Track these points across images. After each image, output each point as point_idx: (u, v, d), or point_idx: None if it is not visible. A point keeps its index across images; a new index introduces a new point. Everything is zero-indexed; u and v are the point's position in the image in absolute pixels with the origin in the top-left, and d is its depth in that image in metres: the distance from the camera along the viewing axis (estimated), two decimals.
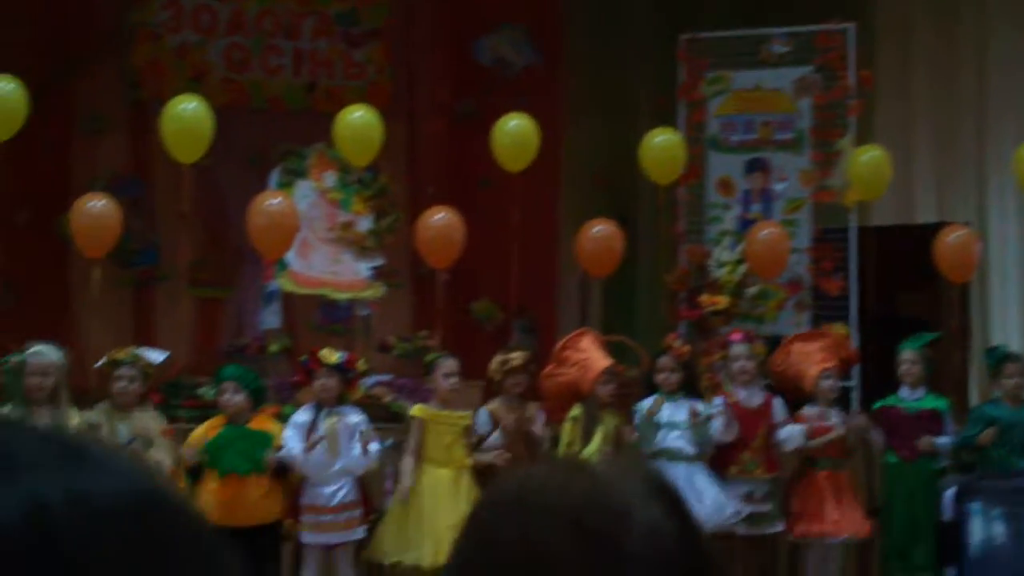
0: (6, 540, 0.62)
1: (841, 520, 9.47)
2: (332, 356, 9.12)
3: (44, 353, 9.01)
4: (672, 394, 9.55)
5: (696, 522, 1.35)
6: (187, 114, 9.91)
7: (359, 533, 9.05)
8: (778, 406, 9.64)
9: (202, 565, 0.69)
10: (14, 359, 9.09)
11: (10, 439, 0.67)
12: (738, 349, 9.75)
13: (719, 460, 9.49)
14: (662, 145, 11.00)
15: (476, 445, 9.28)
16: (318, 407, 9.04)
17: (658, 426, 9.44)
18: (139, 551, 0.65)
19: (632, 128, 11.73)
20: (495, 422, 9.33)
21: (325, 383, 9.04)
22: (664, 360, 9.63)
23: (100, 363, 9.13)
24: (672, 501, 1.35)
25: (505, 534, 1.31)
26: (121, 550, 0.64)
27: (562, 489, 1.32)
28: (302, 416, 9.02)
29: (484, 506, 1.39)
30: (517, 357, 9.51)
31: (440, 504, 8.96)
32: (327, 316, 11.81)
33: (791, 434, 9.52)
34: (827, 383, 9.68)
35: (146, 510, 0.68)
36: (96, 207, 9.85)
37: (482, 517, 1.37)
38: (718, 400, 9.58)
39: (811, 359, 9.81)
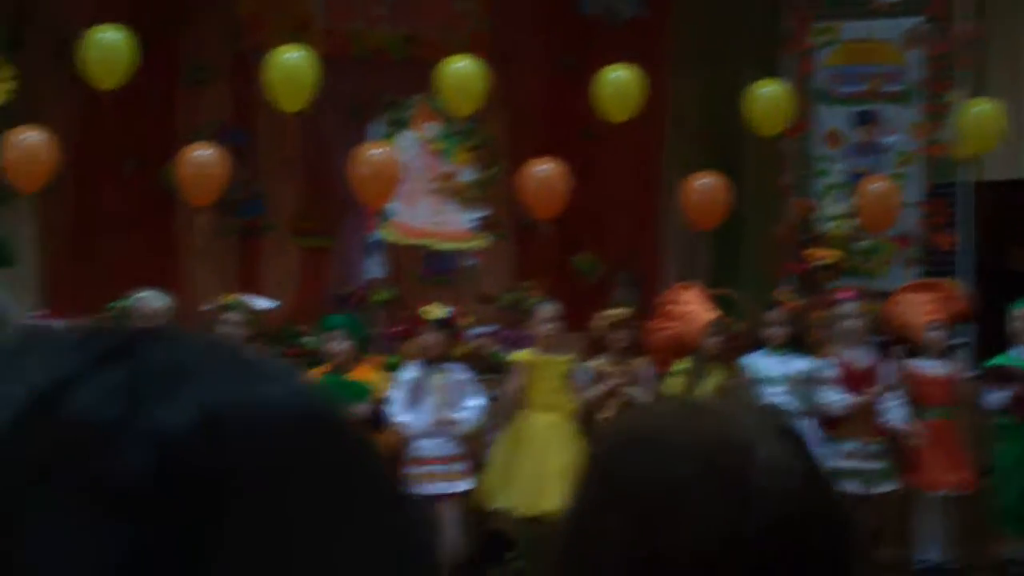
0: (175, 449, 0.62)
1: (943, 473, 9.32)
2: (436, 311, 9.09)
3: (150, 299, 9.11)
4: (778, 348, 9.44)
5: (819, 463, 1.35)
6: (291, 63, 9.93)
7: (464, 485, 9.01)
8: (886, 369, 9.47)
9: (369, 482, 0.69)
10: (120, 305, 9.20)
11: (178, 348, 0.67)
12: (847, 308, 9.58)
13: (825, 420, 9.36)
14: (768, 96, 10.87)
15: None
16: (424, 364, 9.00)
17: (758, 382, 9.34)
18: (308, 464, 0.65)
19: (738, 79, 11.57)
20: (598, 379, 9.27)
21: (429, 339, 9.00)
22: (773, 314, 9.52)
23: (207, 307, 9.21)
24: (794, 440, 1.34)
25: (630, 471, 1.32)
26: (290, 462, 0.64)
27: (686, 426, 1.33)
28: (409, 373, 8.99)
29: (607, 444, 1.39)
30: (620, 312, 9.45)
31: (545, 450, 8.92)
32: (432, 267, 11.78)
33: (895, 414, 9.36)
34: (935, 334, 9.52)
35: (315, 424, 0.68)
36: (202, 156, 9.92)
37: (606, 455, 1.37)
38: (827, 362, 9.42)
39: (920, 309, 9.65)
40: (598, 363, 9.33)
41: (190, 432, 0.62)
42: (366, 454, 0.69)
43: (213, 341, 0.69)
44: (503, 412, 9.14)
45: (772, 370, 9.37)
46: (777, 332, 9.44)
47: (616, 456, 1.35)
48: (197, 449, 0.62)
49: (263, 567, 0.62)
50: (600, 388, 9.13)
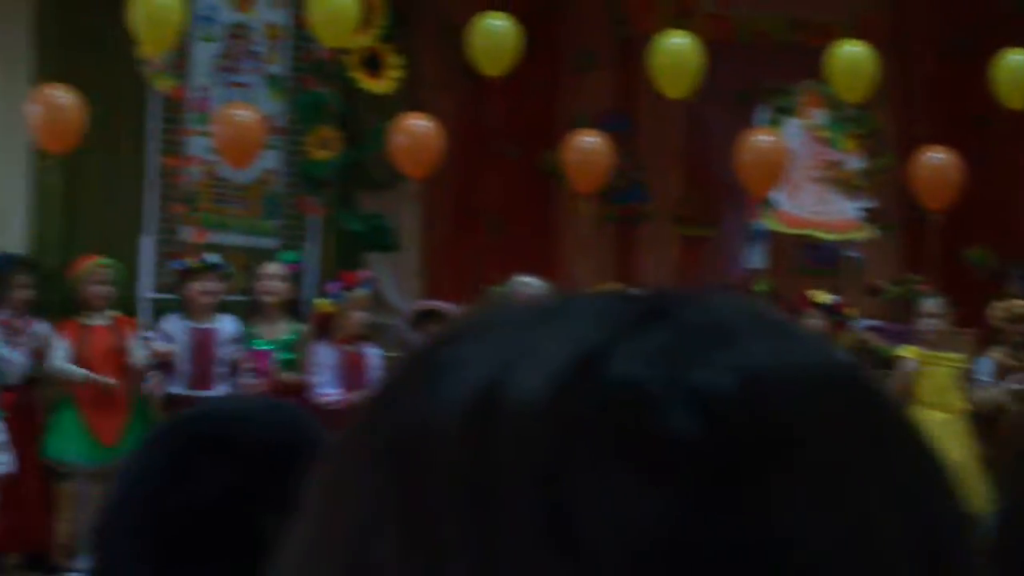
0: (719, 412, 0.62)
1: None
2: (822, 296, 8.94)
3: (529, 285, 9.18)
4: None
5: None
6: (676, 49, 9.91)
7: None
8: None
9: (911, 449, 0.67)
10: (499, 290, 9.30)
11: (714, 310, 0.67)
12: None
13: None
14: None
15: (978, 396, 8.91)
16: None
17: None
18: (850, 427, 0.65)
19: None
20: (1000, 371, 8.91)
21: (813, 324, 8.80)
22: None
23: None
24: None
25: None
26: (832, 425, 0.64)
27: None
28: None
29: None
30: (1021, 305, 9.09)
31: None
32: (813, 258, 11.57)
33: None
34: None
35: (854, 388, 0.67)
36: (587, 143, 10.02)
37: None
38: None
39: None
40: (996, 355, 8.99)
41: (732, 395, 0.62)
42: (907, 420, 0.68)
43: (745, 303, 0.69)
44: None
45: None
46: None
47: None
48: (739, 412, 0.62)
49: (807, 531, 0.61)
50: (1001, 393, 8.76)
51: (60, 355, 8.93)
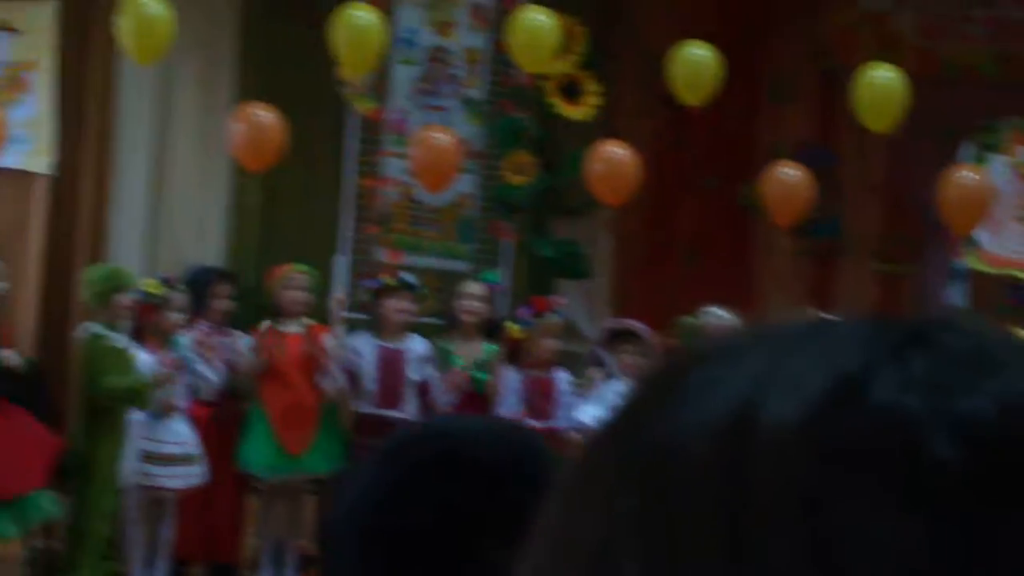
0: (983, 441, 0.61)
1: None
2: (1023, 334, 8.72)
3: (721, 317, 9.12)
4: None
5: None
6: (880, 82, 9.76)
7: None
8: None
9: None
10: (690, 321, 9.24)
11: (977, 338, 0.66)
12: None
13: None
14: None
15: None
16: None
17: None
18: None
19: None
20: None
21: None
22: None
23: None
24: None
25: None
26: None
27: None
28: None
29: None
30: None
31: None
32: (1017, 299, 11.31)
33: None
34: None
35: None
36: (788, 175, 9.94)
37: None
38: None
39: None
40: None
41: (997, 423, 0.62)
42: None
43: (1008, 332, 0.69)
44: None
45: None
46: None
47: None
48: (1004, 441, 0.61)
49: None
50: None
51: (244, 344, 9.04)
